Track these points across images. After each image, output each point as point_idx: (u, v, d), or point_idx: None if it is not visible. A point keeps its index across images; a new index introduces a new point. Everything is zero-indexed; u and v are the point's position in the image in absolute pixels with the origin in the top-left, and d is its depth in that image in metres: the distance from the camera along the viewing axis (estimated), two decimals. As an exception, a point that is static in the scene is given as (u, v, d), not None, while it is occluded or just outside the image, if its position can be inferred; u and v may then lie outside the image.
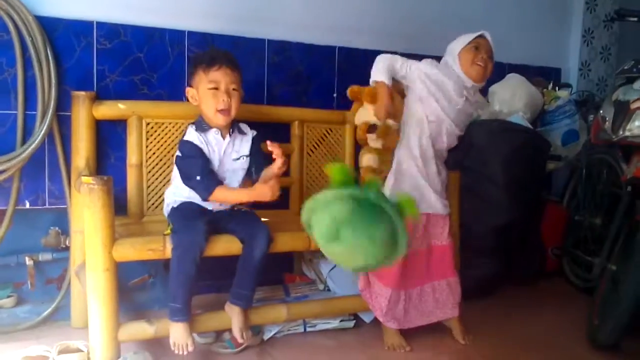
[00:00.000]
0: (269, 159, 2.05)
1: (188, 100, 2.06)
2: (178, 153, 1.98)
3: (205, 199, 1.93)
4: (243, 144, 2.07)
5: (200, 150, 1.94)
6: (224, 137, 2.01)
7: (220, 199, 1.95)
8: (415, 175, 2.14)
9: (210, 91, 1.94)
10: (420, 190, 2.13)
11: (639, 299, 2.01)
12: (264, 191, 1.89)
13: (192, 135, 1.96)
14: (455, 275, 2.21)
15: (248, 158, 2.06)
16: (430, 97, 2.14)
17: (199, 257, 1.81)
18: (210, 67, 1.94)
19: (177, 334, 1.85)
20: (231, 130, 2.03)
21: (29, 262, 2.16)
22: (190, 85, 2.01)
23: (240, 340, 1.95)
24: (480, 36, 2.17)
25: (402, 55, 2.40)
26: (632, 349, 2.19)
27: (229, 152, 2.02)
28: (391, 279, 2.09)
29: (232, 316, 1.95)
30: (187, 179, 1.94)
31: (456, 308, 2.20)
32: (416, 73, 2.16)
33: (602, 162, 2.81)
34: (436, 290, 2.20)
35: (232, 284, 1.96)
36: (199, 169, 1.91)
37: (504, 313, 2.55)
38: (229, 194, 1.96)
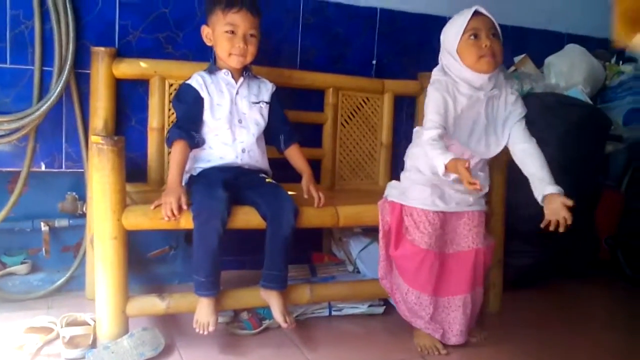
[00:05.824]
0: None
1: (213, 61, 1.94)
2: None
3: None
4: (262, 90, 2.00)
5: (194, 94, 1.87)
6: (236, 80, 1.92)
7: (171, 155, 1.83)
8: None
9: (226, 34, 1.85)
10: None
11: None
12: (170, 195, 1.68)
13: (193, 78, 1.91)
14: (482, 285, 1.92)
15: (268, 106, 1.97)
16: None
17: (221, 228, 1.68)
18: (230, 8, 1.83)
19: (201, 310, 1.73)
20: (244, 72, 1.94)
21: (44, 227, 2.07)
22: (206, 24, 1.91)
23: (284, 325, 1.78)
24: (474, 14, 1.80)
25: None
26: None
27: (244, 94, 1.94)
28: (418, 282, 1.83)
29: (270, 301, 1.80)
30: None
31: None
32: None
33: (667, 146, 2.58)
34: (467, 306, 1.87)
35: (263, 267, 1.80)
36: (179, 114, 1.91)
37: (547, 308, 2.35)
38: (172, 159, 1.80)
